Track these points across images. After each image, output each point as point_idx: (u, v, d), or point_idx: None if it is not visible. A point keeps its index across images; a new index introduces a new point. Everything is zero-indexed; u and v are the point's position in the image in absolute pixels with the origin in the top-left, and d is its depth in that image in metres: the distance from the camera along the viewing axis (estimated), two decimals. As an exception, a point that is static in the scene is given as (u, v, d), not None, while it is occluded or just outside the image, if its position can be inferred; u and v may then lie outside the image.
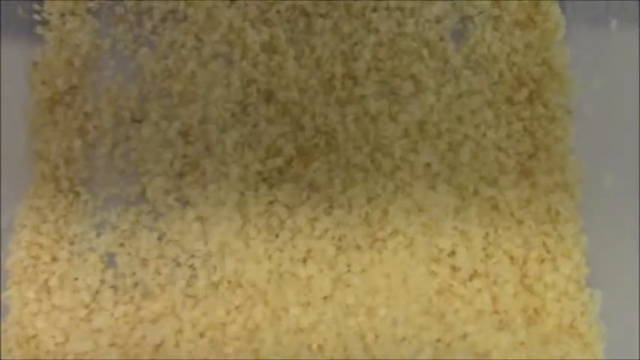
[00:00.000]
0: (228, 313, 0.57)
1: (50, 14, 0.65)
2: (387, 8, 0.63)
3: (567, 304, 0.57)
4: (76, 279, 0.59)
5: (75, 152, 0.62)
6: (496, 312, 0.56)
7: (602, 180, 0.59)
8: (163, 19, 0.65)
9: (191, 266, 0.58)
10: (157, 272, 0.59)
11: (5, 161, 0.61)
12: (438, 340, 0.56)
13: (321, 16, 0.64)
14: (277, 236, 0.58)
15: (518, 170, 0.60)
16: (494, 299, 0.57)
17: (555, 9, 0.63)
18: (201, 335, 0.57)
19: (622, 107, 0.59)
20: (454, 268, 0.57)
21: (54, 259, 0.59)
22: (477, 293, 0.57)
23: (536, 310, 0.57)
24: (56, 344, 0.57)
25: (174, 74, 0.63)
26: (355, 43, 0.63)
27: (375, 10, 0.63)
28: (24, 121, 0.63)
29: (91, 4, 0.65)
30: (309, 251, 0.58)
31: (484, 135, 0.60)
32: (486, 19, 0.64)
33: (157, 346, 0.57)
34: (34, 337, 0.57)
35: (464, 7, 0.64)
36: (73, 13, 0.65)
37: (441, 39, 0.63)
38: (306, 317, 0.56)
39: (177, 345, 0.57)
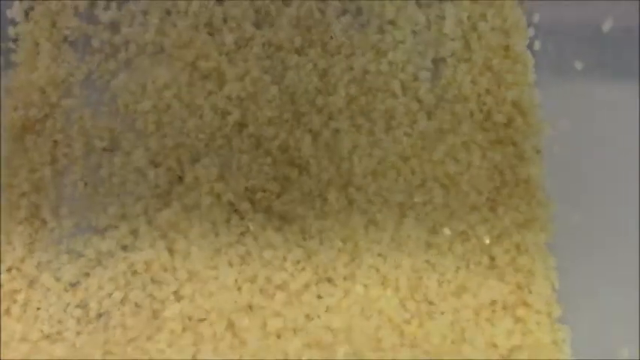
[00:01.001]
0: (194, 344, 0.55)
1: (24, 41, 0.65)
2: (362, 47, 0.64)
3: (538, 340, 0.56)
4: (39, 308, 0.57)
5: (44, 180, 0.61)
6: (465, 346, 0.56)
7: (571, 217, 0.59)
8: (139, 51, 0.65)
9: (158, 297, 0.57)
10: (123, 303, 0.57)
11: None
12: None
13: (297, 51, 0.65)
14: (248, 266, 0.57)
15: (489, 207, 0.60)
16: (464, 333, 0.56)
17: (525, 52, 0.65)
18: (167, 367, 0.55)
19: (589, 147, 0.60)
20: (427, 302, 0.57)
21: (17, 286, 0.57)
22: (449, 326, 0.56)
23: (505, 347, 0.56)
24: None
25: (147, 104, 0.62)
26: (330, 79, 0.63)
27: (350, 47, 0.64)
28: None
29: (67, 33, 0.66)
30: (279, 283, 0.57)
31: (455, 172, 0.61)
32: (458, 60, 0.65)
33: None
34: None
35: (437, 48, 0.65)
36: (48, 41, 0.65)
37: (415, 79, 0.64)
38: (276, 350, 0.55)
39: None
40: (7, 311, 0.57)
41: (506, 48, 0.65)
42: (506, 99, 0.64)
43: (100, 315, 0.57)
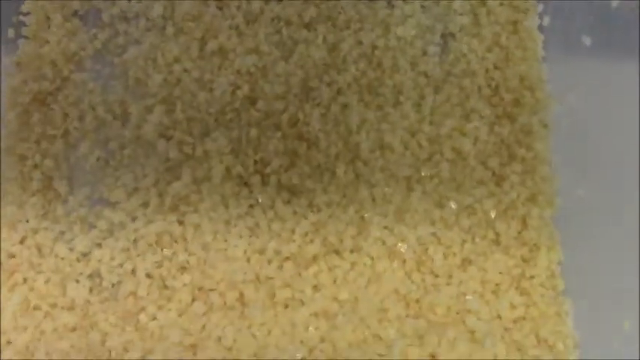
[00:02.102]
0: (204, 313, 0.56)
1: (35, 15, 0.65)
2: (372, 22, 0.65)
3: (542, 312, 0.57)
4: (49, 279, 0.58)
5: (56, 152, 0.62)
6: (470, 317, 0.57)
7: (576, 192, 0.60)
8: (149, 25, 0.65)
9: (169, 268, 0.58)
10: (134, 273, 0.58)
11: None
12: (410, 345, 0.56)
13: (306, 26, 0.65)
14: (257, 238, 0.58)
15: (495, 181, 0.61)
16: (468, 305, 0.57)
17: (534, 28, 0.65)
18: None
19: (596, 122, 0.61)
20: (433, 274, 0.58)
21: (30, 257, 0.58)
22: (454, 298, 0.57)
23: (509, 319, 0.57)
24: (28, 342, 0.56)
25: (158, 78, 0.63)
26: (338, 54, 0.64)
27: (359, 22, 0.65)
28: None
29: (77, 7, 0.66)
30: (288, 255, 0.58)
31: (463, 146, 0.61)
32: (467, 35, 0.65)
33: (126, 349, 0.56)
34: (3, 333, 0.56)
35: (446, 23, 0.66)
36: (59, 15, 0.65)
37: (423, 53, 0.65)
38: (284, 319, 0.56)
39: (151, 349, 0.56)
40: (24, 281, 0.57)
41: (515, 23, 0.66)
42: (515, 74, 0.64)
43: (111, 285, 0.58)
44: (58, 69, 0.64)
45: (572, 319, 0.57)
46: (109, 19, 0.66)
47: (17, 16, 0.66)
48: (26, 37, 0.65)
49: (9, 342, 0.56)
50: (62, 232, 0.59)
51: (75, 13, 0.66)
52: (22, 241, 0.59)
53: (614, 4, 0.62)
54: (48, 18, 0.66)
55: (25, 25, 0.66)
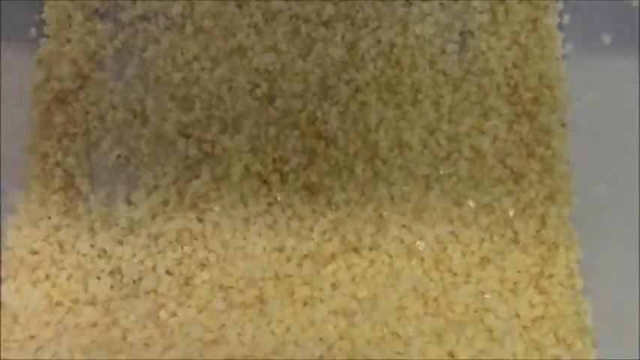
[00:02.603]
0: (224, 310, 0.57)
1: (56, 13, 0.66)
2: (390, 20, 0.65)
3: (560, 311, 0.57)
4: (71, 276, 0.59)
5: (77, 150, 0.62)
6: (488, 316, 0.57)
7: (595, 190, 0.60)
8: (168, 24, 0.66)
9: (188, 265, 0.59)
10: (154, 270, 0.59)
11: (5, 157, 0.62)
12: (429, 343, 0.56)
13: (324, 25, 0.65)
14: (276, 236, 0.59)
15: (514, 179, 0.61)
16: (487, 303, 0.57)
17: (553, 26, 0.65)
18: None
19: (616, 120, 0.61)
20: (451, 272, 0.58)
21: (52, 253, 0.59)
22: (472, 297, 0.57)
23: (528, 318, 0.57)
24: (51, 337, 0.56)
25: (177, 77, 0.63)
26: (357, 52, 0.64)
27: (378, 20, 0.65)
28: (24, 119, 0.63)
29: (98, 6, 0.67)
30: (307, 253, 0.58)
31: (481, 145, 0.61)
32: (485, 33, 0.65)
33: (146, 345, 0.57)
34: (25, 328, 0.57)
35: (465, 21, 0.66)
36: (80, 13, 0.66)
37: (442, 52, 0.65)
38: (303, 317, 0.56)
39: (171, 345, 0.57)
40: (47, 277, 0.58)
41: (535, 21, 0.66)
42: (534, 73, 0.64)
43: (132, 281, 0.59)
44: (79, 67, 0.65)
45: (591, 318, 0.57)
46: (129, 18, 0.66)
47: (39, 15, 0.66)
48: (47, 36, 0.66)
49: (32, 337, 0.57)
50: (84, 230, 0.60)
51: (95, 12, 0.67)
52: (44, 238, 0.60)
53: (635, 2, 0.62)
54: (69, 17, 0.67)
55: (46, 24, 0.66)
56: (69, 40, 0.66)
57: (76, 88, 0.64)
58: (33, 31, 0.66)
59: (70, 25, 0.66)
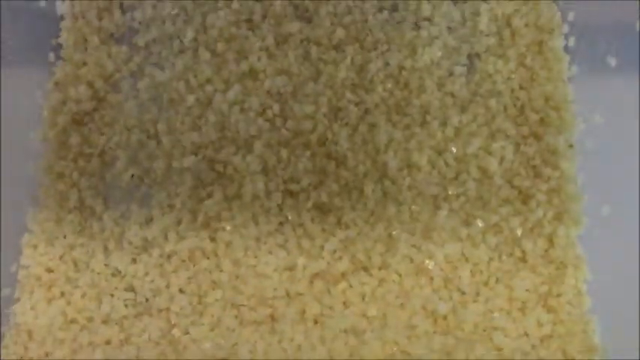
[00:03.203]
0: (236, 329, 0.58)
1: (73, 37, 0.68)
2: (399, 43, 0.66)
3: (568, 330, 0.58)
4: (85, 294, 0.60)
5: (92, 171, 0.64)
6: (497, 334, 0.57)
7: (602, 210, 0.60)
8: (182, 47, 0.67)
9: (201, 284, 0.59)
10: (167, 288, 0.60)
11: (22, 177, 0.63)
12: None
13: (334, 48, 0.67)
14: (287, 255, 0.60)
15: (521, 200, 0.62)
16: (496, 322, 0.58)
17: (559, 49, 0.66)
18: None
19: (621, 141, 0.62)
20: (460, 291, 0.59)
21: (67, 271, 0.60)
22: (481, 315, 0.58)
23: (536, 337, 0.58)
24: (65, 354, 0.57)
25: (190, 99, 0.65)
26: (366, 75, 0.65)
27: (387, 43, 0.66)
28: (41, 140, 0.65)
29: (113, 30, 0.68)
30: (317, 272, 0.59)
31: (489, 165, 0.62)
32: (492, 56, 0.67)
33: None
34: (41, 345, 0.58)
35: (472, 44, 0.67)
36: (96, 37, 0.68)
37: (450, 74, 0.66)
38: (313, 335, 0.57)
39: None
40: (62, 294, 0.59)
41: (540, 44, 0.67)
42: (540, 94, 0.65)
43: (145, 299, 0.60)
44: (94, 90, 0.66)
45: (599, 337, 0.58)
46: (144, 42, 0.68)
47: (56, 39, 0.68)
48: (64, 59, 0.68)
49: (47, 354, 0.58)
50: (98, 248, 0.61)
51: (111, 36, 0.69)
52: (60, 257, 0.61)
53: (638, 25, 0.63)
54: (85, 40, 0.68)
55: (63, 47, 0.68)
56: (85, 63, 0.67)
57: (91, 109, 0.66)
58: (51, 55, 0.67)
59: (86, 49, 0.68)
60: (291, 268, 0.60)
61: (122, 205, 0.63)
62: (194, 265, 0.60)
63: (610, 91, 0.63)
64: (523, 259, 0.60)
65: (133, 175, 0.63)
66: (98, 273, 0.60)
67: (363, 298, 0.59)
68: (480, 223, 0.61)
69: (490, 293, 0.59)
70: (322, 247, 0.60)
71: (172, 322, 0.59)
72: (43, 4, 0.68)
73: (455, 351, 0.56)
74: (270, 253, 0.60)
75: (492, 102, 0.65)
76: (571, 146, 0.63)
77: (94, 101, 0.66)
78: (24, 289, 0.60)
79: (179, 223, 0.61)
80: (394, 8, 0.68)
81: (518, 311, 0.58)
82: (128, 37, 0.69)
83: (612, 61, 0.64)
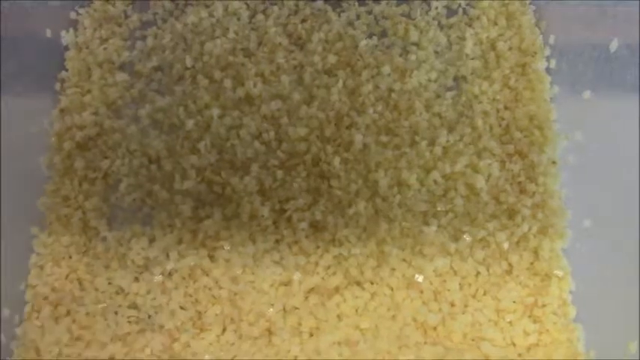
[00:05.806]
0: (234, 343, 0.60)
1: (77, 66, 0.71)
2: (388, 67, 0.69)
3: (554, 339, 0.60)
4: (90, 312, 0.62)
5: (96, 193, 0.66)
6: (485, 344, 0.60)
7: (584, 224, 0.63)
8: (181, 74, 0.71)
9: (201, 300, 0.62)
10: (168, 305, 0.62)
11: (30, 200, 0.66)
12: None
13: (327, 72, 0.70)
14: (283, 271, 0.62)
15: (508, 215, 0.64)
16: (483, 332, 0.60)
17: (541, 71, 0.69)
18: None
19: (602, 157, 0.64)
20: (449, 303, 0.61)
21: (72, 290, 0.63)
22: (469, 326, 0.60)
23: (523, 346, 0.60)
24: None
25: (189, 124, 0.68)
26: (357, 98, 0.68)
27: (377, 68, 0.69)
28: (47, 165, 0.68)
29: (115, 58, 0.72)
30: (312, 286, 0.62)
31: (476, 182, 0.65)
32: (478, 78, 0.70)
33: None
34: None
35: (458, 67, 0.70)
36: (99, 66, 0.71)
37: (437, 96, 0.69)
38: (309, 347, 0.59)
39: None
40: (68, 313, 0.62)
41: (524, 66, 0.70)
42: (524, 114, 0.68)
43: (148, 316, 0.62)
44: (98, 116, 0.69)
45: (583, 345, 0.60)
46: (145, 69, 0.71)
47: (61, 69, 0.71)
48: (69, 88, 0.71)
49: (54, 371, 0.60)
50: (102, 268, 0.63)
51: (113, 64, 0.72)
52: (65, 276, 0.63)
53: (612, 47, 0.66)
54: (89, 69, 0.72)
55: (67, 76, 0.71)
56: (89, 91, 0.70)
57: (95, 135, 0.68)
58: (57, 85, 0.71)
59: (90, 77, 0.71)
60: (287, 284, 0.62)
61: (125, 226, 0.65)
62: (194, 283, 0.62)
63: (590, 110, 0.66)
64: (509, 272, 0.62)
65: (135, 198, 0.66)
66: (102, 291, 0.63)
67: (356, 311, 0.61)
68: (467, 238, 0.63)
69: (478, 305, 0.61)
70: (317, 263, 0.62)
71: (174, 338, 0.61)
72: (48, 35, 0.71)
73: (445, 360, 0.59)
74: (267, 269, 0.62)
75: (478, 122, 0.67)
76: (554, 163, 0.66)
77: (97, 127, 0.69)
78: (32, 308, 0.62)
79: (180, 242, 0.64)
80: (383, 34, 0.72)
81: (506, 322, 0.60)
82: (130, 66, 0.72)
83: (591, 81, 0.67)
